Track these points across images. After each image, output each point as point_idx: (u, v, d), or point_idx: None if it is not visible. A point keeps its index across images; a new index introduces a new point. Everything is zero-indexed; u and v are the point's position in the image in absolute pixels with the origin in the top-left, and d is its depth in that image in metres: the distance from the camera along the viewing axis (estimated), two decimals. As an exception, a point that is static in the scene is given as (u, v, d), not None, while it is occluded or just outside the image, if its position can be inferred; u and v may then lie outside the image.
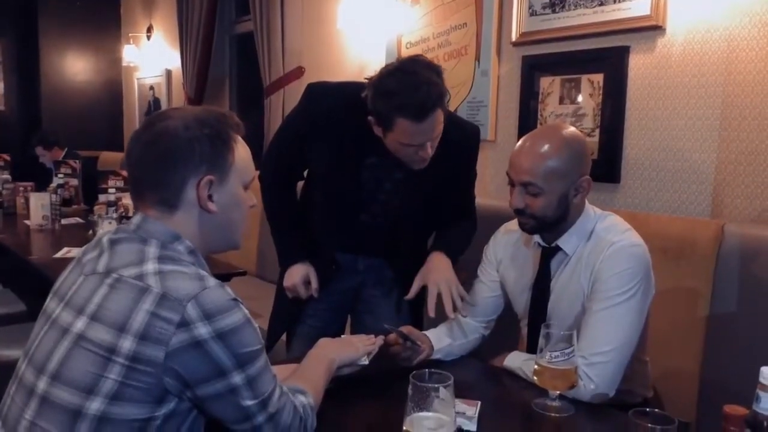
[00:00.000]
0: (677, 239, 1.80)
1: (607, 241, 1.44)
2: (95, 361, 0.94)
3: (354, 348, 1.36)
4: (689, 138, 2.03)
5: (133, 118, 5.85)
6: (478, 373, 1.58)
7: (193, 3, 4.52)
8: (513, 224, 1.59)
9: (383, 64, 3.07)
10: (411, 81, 1.46)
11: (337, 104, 1.65)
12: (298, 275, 1.76)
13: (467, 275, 2.27)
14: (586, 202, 1.51)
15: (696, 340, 1.74)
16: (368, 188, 1.70)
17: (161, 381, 0.94)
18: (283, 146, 1.81)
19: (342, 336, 1.51)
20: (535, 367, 1.30)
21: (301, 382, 1.18)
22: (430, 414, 1.01)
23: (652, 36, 2.08)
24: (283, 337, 1.94)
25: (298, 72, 3.64)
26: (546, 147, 1.43)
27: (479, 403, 1.28)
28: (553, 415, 1.29)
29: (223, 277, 2.77)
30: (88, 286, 1.01)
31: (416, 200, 1.71)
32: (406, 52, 2.92)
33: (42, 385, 0.97)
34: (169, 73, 5.28)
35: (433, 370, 1.06)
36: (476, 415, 1.23)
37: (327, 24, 3.46)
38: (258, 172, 1.59)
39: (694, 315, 1.75)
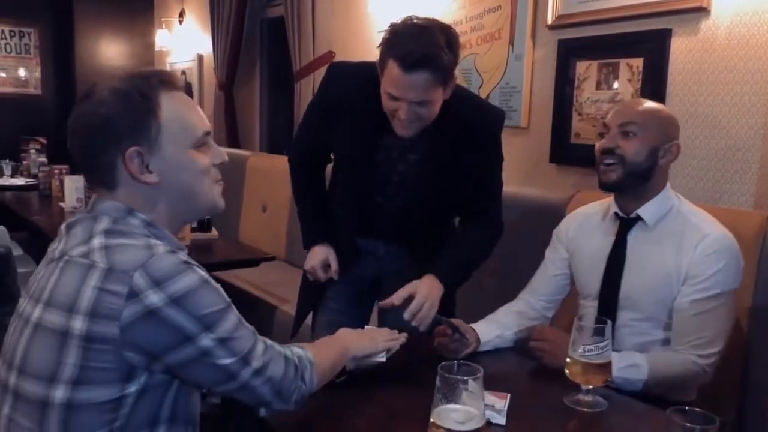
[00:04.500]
0: (719, 230, 1.74)
1: (699, 229, 1.46)
2: (52, 347, 0.91)
3: (372, 342, 1.31)
4: (733, 126, 1.94)
5: (166, 103, 5.90)
6: (508, 364, 1.54)
7: (224, -13, 4.52)
8: (588, 206, 1.66)
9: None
10: (416, 30, 1.44)
11: (357, 82, 1.63)
12: (317, 258, 1.75)
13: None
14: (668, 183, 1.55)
15: (738, 334, 1.68)
16: (383, 169, 1.67)
17: (122, 357, 0.90)
18: (308, 127, 1.81)
19: (366, 327, 1.47)
20: (567, 360, 1.27)
21: (308, 348, 1.13)
22: (458, 406, 0.99)
23: (696, 18, 2.00)
24: (309, 321, 1.93)
25: (329, 56, 3.61)
26: (648, 102, 1.56)
27: (509, 395, 1.24)
28: (585, 410, 1.25)
29: (253, 262, 2.78)
30: (45, 273, 0.98)
31: (432, 184, 1.65)
32: (438, 36, 2.86)
33: (12, 379, 0.95)
34: (200, 57, 5.30)
35: (462, 361, 1.04)
36: (505, 408, 1.20)
37: (358, 8, 3.42)
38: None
39: (736, 308, 1.69)
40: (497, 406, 1.20)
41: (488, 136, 1.67)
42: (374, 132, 1.61)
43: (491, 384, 1.16)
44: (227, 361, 0.95)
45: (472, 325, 1.55)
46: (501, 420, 1.17)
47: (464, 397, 0.98)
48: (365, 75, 1.59)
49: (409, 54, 1.41)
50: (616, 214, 1.56)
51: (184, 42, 5.45)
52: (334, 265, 1.75)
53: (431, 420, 0.99)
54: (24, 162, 4.93)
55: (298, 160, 1.85)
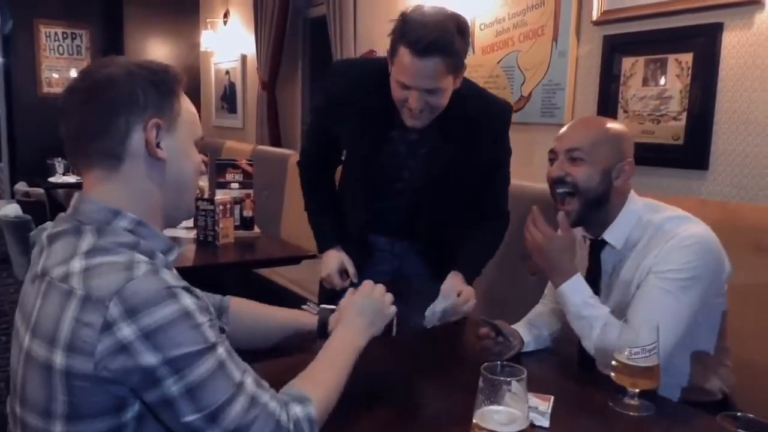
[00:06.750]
0: (772, 231, 1.67)
1: (671, 233, 1.35)
2: (42, 381, 0.86)
3: (381, 316, 1.22)
4: (788, 122, 1.87)
5: (210, 104, 6.01)
6: (552, 366, 1.53)
7: (267, -12, 4.58)
8: None
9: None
10: (426, 17, 1.44)
11: (360, 78, 1.62)
12: (333, 264, 1.72)
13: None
14: (632, 192, 1.45)
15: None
16: (392, 164, 1.66)
17: (107, 392, 0.84)
18: (314, 128, 1.81)
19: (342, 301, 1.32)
20: (613, 363, 1.24)
21: (309, 385, 1.01)
22: (501, 408, 0.98)
23: (749, 12, 1.93)
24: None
25: (370, 55, 3.62)
26: (593, 122, 1.52)
27: (552, 398, 1.23)
28: (631, 414, 1.22)
29: (294, 259, 2.80)
30: (32, 292, 0.92)
31: (441, 179, 1.64)
32: (479, 34, 2.84)
33: (18, 409, 0.92)
34: (244, 57, 5.38)
35: (505, 362, 1.03)
36: (549, 410, 1.19)
37: (399, 6, 3.41)
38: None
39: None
40: (541, 408, 1.19)
41: (496, 129, 1.66)
42: (382, 127, 1.61)
43: (535, 386, 1.15)
44: (190, 417, 0.84)
45: (514, 326, 1.54)
46: (545, 422, 1.16)
47: (507, 399, 0.97)
48: (368, 71, 1.60)
49: (420, 39, 1.40)
50: (584, 236, 1.50)
51: (229, 42, 5.54)
52: (351, 269, 1.72)
53: (474, 421, 0.99)
54: (75, 160, 5.09)
55: (308, 162, 1.84)
